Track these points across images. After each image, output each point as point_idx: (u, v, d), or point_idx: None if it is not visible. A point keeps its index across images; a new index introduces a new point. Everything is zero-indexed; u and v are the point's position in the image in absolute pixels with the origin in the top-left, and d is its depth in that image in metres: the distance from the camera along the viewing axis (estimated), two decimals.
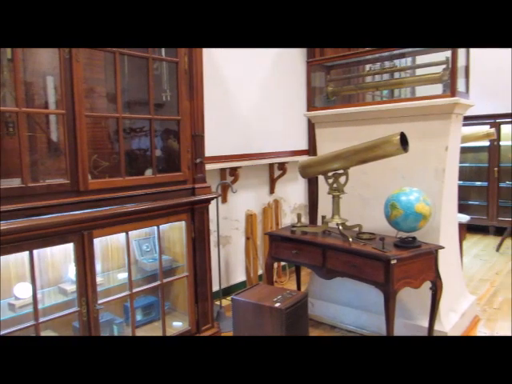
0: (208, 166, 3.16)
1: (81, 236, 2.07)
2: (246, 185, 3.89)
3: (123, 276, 2.54)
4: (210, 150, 3.23)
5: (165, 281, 2.57)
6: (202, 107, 2.64)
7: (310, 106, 3.30)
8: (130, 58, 2.45)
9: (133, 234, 2.67)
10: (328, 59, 3.34)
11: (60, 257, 2.36)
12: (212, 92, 3.39)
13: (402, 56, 3.63)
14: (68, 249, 2.21)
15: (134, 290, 2.41)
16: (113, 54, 2.20)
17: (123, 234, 2.34)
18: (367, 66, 3.63)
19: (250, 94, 3.92)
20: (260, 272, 3.95)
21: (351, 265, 2.56)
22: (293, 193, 4.54)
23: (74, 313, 2.12)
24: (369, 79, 3.67)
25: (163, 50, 2.62)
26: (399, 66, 3.59)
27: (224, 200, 3.71)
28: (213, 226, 3.36)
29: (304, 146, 4.57)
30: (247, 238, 3.78)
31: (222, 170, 3.63)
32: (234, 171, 3.63)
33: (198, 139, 2.63)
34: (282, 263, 4.18)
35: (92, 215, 2.09)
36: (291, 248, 2.91)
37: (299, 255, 2.87)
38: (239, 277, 3.91)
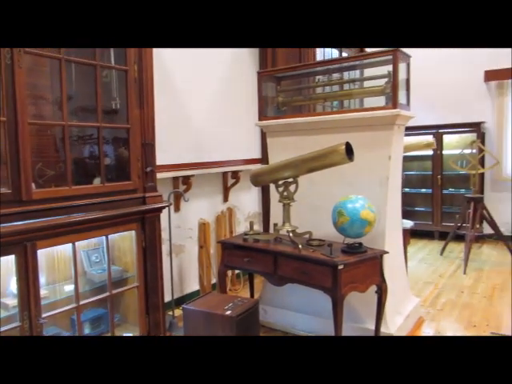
0: (160, 175, 3.14)
1: (23, 247, 2.00)
2: (199, 193, 3.89)
3: (70, 288, 2.47)
4: (162, 158, 3.21)
5: (114, 292, 2.51)
6: (153, 116, 2.63)
7: (262, 115, 3.36)
8: (78, 64, 2.41)
9: (81, 244, 2.61)
10: (278, 70, 3.43)
11: (1, 269, 2.26)
12: (164, 100, 3.38)
13: (352, 68, 3.79)
14: (10, 261, 2.13)
15: (81, 303, 2.35)
16: (58, 60, 2.16)
17: (70, 245, 2.27)
18: (317, 78, 3.76)
19: (204, 103, 3.94)
20: (214, 281, 3.95)
21: (301, 271, 2.62)
22: (247, 201, 4.59)
23: (16, 328, 2.03)
24: (319, 90, 3.80)
25: (112, 57, 2.59)
26: (347, 78, 3.75)
27: (177, 209, 3.68)
28: (165, 235, 3.34)
29: (257, 154, 4.63)
30: (200, 247, 3.77)
31: (175, 179, 3.61)
32: (186, 180, 3.63)
33: (148, 148, 2.62)
34: (237, 271, 4.19)
35: (35, 226, 2.02)
36: (243, 256, 2.94)
37: (251, 263, 2.90)
38: (193, 286, 3.88)
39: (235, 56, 4.29)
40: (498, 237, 5.13)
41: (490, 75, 5.77)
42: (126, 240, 2.71)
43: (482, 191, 5.81)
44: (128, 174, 2.55)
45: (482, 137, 5.76)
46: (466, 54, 5.89)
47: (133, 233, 2.58)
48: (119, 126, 2.58)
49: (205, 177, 3.92)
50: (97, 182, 2.46)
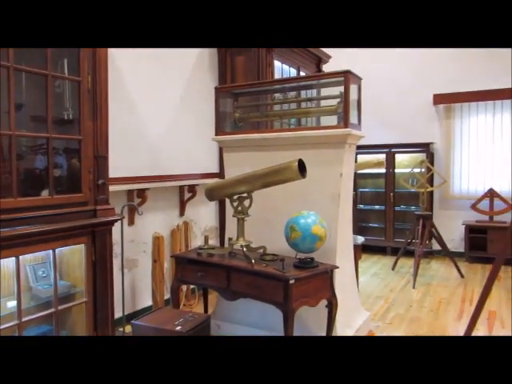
0: (113, 188, 3.09)
1: None
2: (154, 207, 3.84)
3: (13, 304, 2.36)
4: (116, 171, 3.17)
5: (60, 308, 2.43)
6: (107, 128, 2.60)
7: (218, 130, 3.39)
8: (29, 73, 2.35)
9: (27, 258, 2.51)
10: (235, 87, 3.48)
11: None
12: (120, 113, 3.35)
13: (309, 88, 3.91)
14: None
15: (24, 319, 2.25)
16: (6, 68, 2.10)
17: (13, 259, 2.19)
18: (275, 95, 3.85)
19: (162, 117, 3.93)
20: (167, 296, 3.88)
21: (254, 286, 2.64)
22: (204, 215, 4.57)
23: None
24: (277, 107, 3.88)
25: (66, 67, 2.55)
26: (305, 96, 3.86)
27: (131, 222, 3.62)
28: (118, 249, 3.27)
29: (215, 169, 4.65)
30: (154, 261, 3.72)
31: (129, 192, 3.56)
32: (141, 193, 3.58)
33: (101, 160, 2.58)
34: (192, 286, 4.15)
35: None
36: (197, 270, 2.93)
37: (205, 277, 2.89)
38: (146, 301, 3.81)
39: (195, 70, 4.32)
40: (445, 253, 5.37)
41: (438, 99, 6.11)
42: (75, 254, 2.64)
43: (431, 209, 6.08)
44: (79, 186, 2.50)
45: (431, 157, 6.06)
46: (417, 77, 6.22)
47: (82, 246, 2.52)
48: (70, 137, 2.53)
49: (161, 190, 3.88)
50: (45, 193, 2.39)
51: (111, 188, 2.78)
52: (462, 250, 5.94)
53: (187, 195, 4.22)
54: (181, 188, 4.16)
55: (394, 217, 6.34)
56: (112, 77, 2.86)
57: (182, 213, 4.21)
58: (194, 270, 2.94)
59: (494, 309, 3.97)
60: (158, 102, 3.87)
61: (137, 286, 3.73)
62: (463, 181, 6.10)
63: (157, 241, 3.71)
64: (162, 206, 3.98)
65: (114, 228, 2.69)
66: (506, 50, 5.67)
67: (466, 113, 6.03)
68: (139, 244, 3.72)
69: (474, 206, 5.81)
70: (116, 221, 2.69)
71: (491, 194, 5.73)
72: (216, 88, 3.45)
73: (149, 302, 3.82)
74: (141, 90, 3.66)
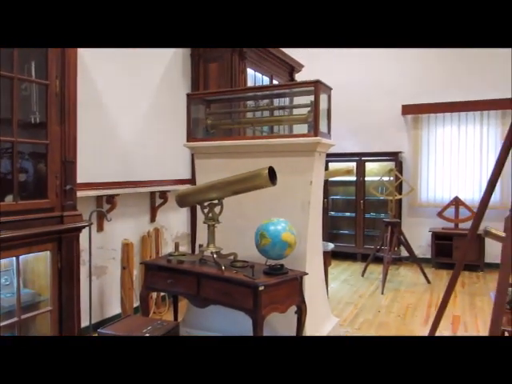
0: (82, 193, 3.04)
1: None
2: (124, 213, 3.79)
3: None
4: (85, 176, 3.12)
5: (23, 317, 2.36)
6: (75, 132, 2.55)
7: (190, 137, 3.39)
8: None
9: None
10: (207, 94, 3.49)
11: None
12: (89, 116, 3.30)
13: (281, 96, 3.95)
14: None
15: None
16: None
17: None
18: (247, 103, 3.88)
19: (133, 121, 3.89)
20: (137, 303, 3.82)
21: (224, 292, 2.64)
22: (175, 221, 4.54)
23: None
24: (249, 115, 3.91)
25: (33, 70, 2.50)
26: (277, 104, 3.90)
27: (100, 228, 3.56)
28: (86, 256, 3.21)
29: (187, 175, 4.63)
30: (123, 268, 3.66)
31: (99, 198, 3.50)
32: (111, 198, 3.53)
33: (68, 165, 2.53)
34: (162, 293, 4.10)
35: None
36: (167, 277, 2.90)
37: (175, 284, 2.87)
38: (114, 309, 3.74)
39: (167, 76, 4.31)
40: (412, 259, 5.51)
41: (406, 109, 6.29)
42: (40, 261, 2.57)
43: (399, 216, 6.23)
44: (45, 191, 2.44)
45: (399, 165, 6.22)
46: (387, 87, 6.39)
47: (48, 254, 2.46)
48: (37, 141, 2.48)
49: (131, 196, 3.84)
50: (9, 199, 2.33)
51: (79, 194, 2.73)
52: (429, 256, 6.11)
53: (158, 201, 4.18)
54: (152, 194, 4.12)
55: (364, 224, 6.46)
56: (81, 80, 2.82)
57: (152, 219, 4.16)
58: (164, 276, 2.91)
59: (458, 313, 4.10)
60: (129, 107, 3.84)
61: (105, 294, 3.66)
62: (430, 189, 6.29)
63: (126, 247, 3.66)
64: (133, 213, 3.93)
65: (81, 234, 2.64)
66: (472, 65, 5.91)
67: (433, 123, 6.23)
68: (108, 251, 3.66)
69: (440, 214, 5.99)
70: (84, 227, 2.64)
71: (456, 202, 5.93)
72: (188, 94, 3.45)
73: (118, 310, 3.75)
74: (112, 94, 3.62)
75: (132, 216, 3.92)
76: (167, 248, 4.33)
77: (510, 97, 5.24)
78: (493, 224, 2.92)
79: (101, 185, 3.45)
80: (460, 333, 3.64)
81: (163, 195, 4.16)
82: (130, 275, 3.62)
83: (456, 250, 5.77)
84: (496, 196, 5.70)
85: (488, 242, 5.45)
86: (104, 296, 3.65)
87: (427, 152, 6.28)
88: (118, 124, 3.72)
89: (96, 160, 3.45)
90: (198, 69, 4.52)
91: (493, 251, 5.52)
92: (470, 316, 4.04)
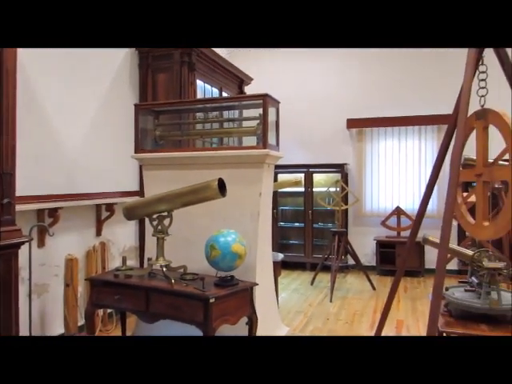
0: (22, 207, 2.89)
1: None
2: (68, 227, 3.63)
3: None
4: (26, 188, 2.97)
5: None
6: (14, 143, 2.43)
7: (138, 148, 3.33)
8: None
9: None
10: (155, 105, 3.46)
11: None
12: (30, 126, 3.16)
13: (231, 108, 3.99)
14: None
15: None
16: None
17: None
18: (197, 115, 3.88)
19: (78, 132, 3.76)
20: (82, 322, 3.66)
21: (174, 306, 2.59)
22: (123, 235, 4.41)
23: None
24: (199, 126, 3.91)
25: None
26: (227, 117, 3.94)
27: (41, 244, 3.38)
28: (26, 274, 3.04)
29: (136, 186, 4.53)
30: (67, 285, 3.49)
31: (40, 211, 3.33)
32: (54, 212, 3.37)
33: (6, 177, 2.40)
34: (109, 310, 3.96)
35: None
36: (114, 293, 2.81)
37: (122, 300, 2.78)
38: (57, 329, 3.55)
39: (114, 85, 4.21)
40: (359, 267, 5.70)
41: (351, 123, 6.56)
42: None
43: (346, 226, 6.43)
44: None
45: (345, 177, 6.45)
46: (334, 101, 6.63)
47: None
48: None
49: (75, 209, 3.69)
50: None
51: (18, 207, 2.60)
52: (374, 263, 6.34)
53: (105, 214, 4.05)
54: (98, 207, 3.99)
55: (313, 234, 6.61)
56: (22, 89, 2.70)
57: (98, 233, 4.02)
58: (111, 292, 2.82)
59: (401, 318, 4.28)
60: (74, 116, 3.70)
61: (47, 313, 3.47)
62: (374, 199, 6.56)
63: (70, 263, 3.50)
64: (77, 226, 3.77)
65: (20, 251, 2.51)
66: (412, 83, 6.28)
67: (376, 137, 6.53)
68: (50, 267, 3.48)
69: (383, 223, 6.26)
70: (23, 243, 2.51)
71: (398, 212, 6.23)
72: (136, 105, 3.40)
73: (61, 330, 3.57)
74: (56, 103, 3.49)
75: (76, 230, 3.77)
76: (114, 263, 4.19)
77: (444, 113, 5.60)
78: (431, 232, 3.13)
79: (42, 197, 3.30)
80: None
81: (110, 208, 4.04)
82: (74, 292, 3.46)
83: (398, 257, 6.03)
84: (433, 206, 6.05)
85: (428, 249, 5.76)
86: (45, 315, 3.46)
87: (371, 164, 6.56)
88: (63, 134, 3.58)
89: (38, 171, 3.30)
90: (147, 79, 4.46)
91: (432, 258, 5.82)
92: (412, 319, 4.24)
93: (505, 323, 2.25)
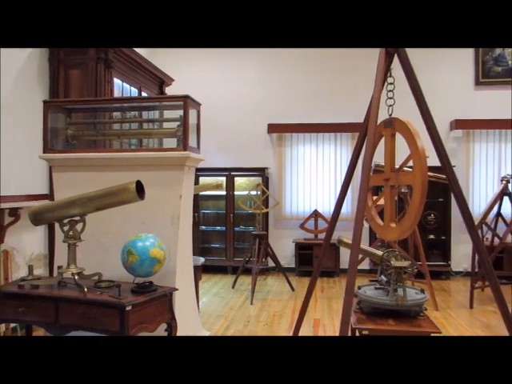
0: None
1: None
2: None
3: None
4: None
5: None
6: None
7: (47, 148, 3.10)
8: None
9: None
10: (68, 102, 3.25)
11: None
12: None
13: (151, 108, 3.86)
14: None
15: None
16: None
17: None
18: (114, 114, 3.70)
19: None
20: None
21: (87, 316, 2.44)
22: (30, 242, 4.07)
23: None
24: (117, 126, 3.73)
25: None
26: (147, 117, 3.81)
27: None
28: None
29: (44, 189, 4.21)
30: None
31: None
32: None
33: None
34: (12, 324, 3.62)
35: None
36: (18, 305, 2.58)
37: (28, 313, 2.56)
38: None
39: (20, 80, 3.88)
40: (279, 269, 5.83)
41: (272, 128, 6.71)
42: None
43: (266, 229, 6.55)
44: None
45: (266, 180, 6.57)
46: (255, 106, 6.74)
47: None
48: None
49: None
50: None
51: None
52: (293, 265, 6.53)
53: (8, 220, 3.70)
54: (0, 212, 3.63)
55: (234, 237, 6.64)
56: None
57: (1, 240, 3.66)
58: (14, 305, 2.58)
59: (318, 317, 4.45)
60: None
61: None
62: (293, 203, 6.76)
63: None
64: None
65: None
66: (329, 91, 6.59)
67: (295, 142, 6.74)
68: None
69: (301, 226, 6.48)
70: None
71: (316, 215, 6.48)
72: (45, 102, 3.16)
73: None
74: None
75: None
76: (20, 273, 3.84)
77: (357, 122, 5.95)
78: (346, 234, 3.29)
79: None
80: (320, 334, 3.95)
81: (14, 213, 3.70)
82: None
83: (316, 258, 6.28)
84: (348, 209, 6.40)
85: (343, 250, 6.06)
86: None
87: (290, 168, 6.76)
88: None
89: None
90: (58, 75, 4.17)
91: (347, 258, 6.10)
92: (328, 318, 4.42)
93: (409, 318, 2.44)
